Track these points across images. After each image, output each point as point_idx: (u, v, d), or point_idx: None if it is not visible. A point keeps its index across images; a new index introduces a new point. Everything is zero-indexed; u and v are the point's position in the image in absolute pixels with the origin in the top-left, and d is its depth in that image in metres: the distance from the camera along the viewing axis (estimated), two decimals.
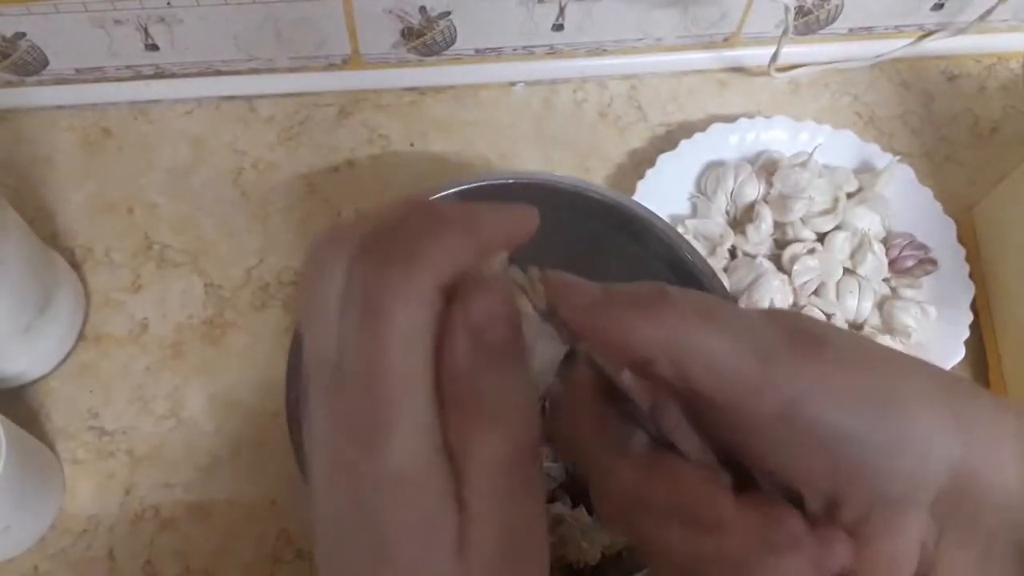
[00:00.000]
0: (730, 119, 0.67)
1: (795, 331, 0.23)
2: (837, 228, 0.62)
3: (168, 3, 0.62)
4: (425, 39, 0.67)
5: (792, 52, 0.69)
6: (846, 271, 0.61)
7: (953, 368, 0.58)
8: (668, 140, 0.68)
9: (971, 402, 0.24)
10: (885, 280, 0.62)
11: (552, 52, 0.70)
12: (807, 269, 0.60)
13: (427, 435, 0.22)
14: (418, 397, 0.21)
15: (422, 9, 0.64)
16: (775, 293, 0.59)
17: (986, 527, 0.24)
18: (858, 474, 0.23)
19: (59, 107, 0.69)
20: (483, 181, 0.51)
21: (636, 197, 0.62)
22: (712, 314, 0.23)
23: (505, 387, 0.22)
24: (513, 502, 0.23)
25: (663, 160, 0.64)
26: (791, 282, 0.60)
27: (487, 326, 0.22)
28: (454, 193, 0.51)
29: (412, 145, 0.69)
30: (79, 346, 0.60)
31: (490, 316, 0.22)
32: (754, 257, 0.62)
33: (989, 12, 0.67)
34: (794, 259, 0.60)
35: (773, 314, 0.24)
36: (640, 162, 0.67)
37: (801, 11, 0.69)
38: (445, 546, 0.22)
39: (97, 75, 0.68)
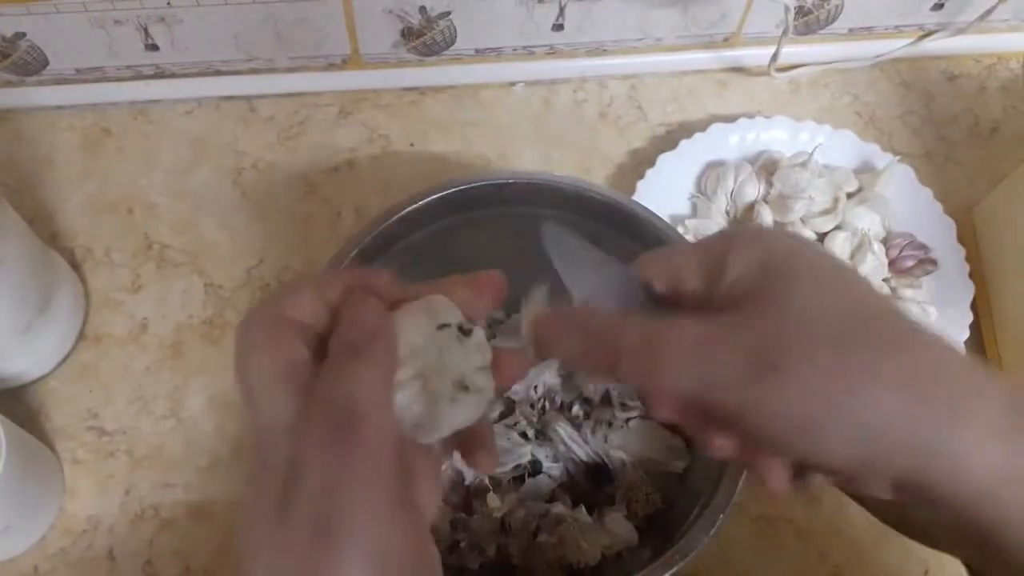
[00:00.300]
0: (730, 119, 0.67)
1: (755, 356, 0.26)
2: (837, 228, 0.62)
3: (168, 3, 0.62)
4: (425, 39, 0.67)
5: (792, 52, 0.69)
6: None
7: None
8: (668, 140, 0.68)
9: (948, 392, 0.26)
10: (885, 280, 0.62)
11: (552, 52, 0.70)
12: None
13: (278, 408, 0.26)
14: (271, 379, 0.26)
15: (422, 9, 0.64)
16: None
17: (951, 510, 0.26)
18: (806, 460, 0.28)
19: (59, 107, 0.69)
20: (483, 181, 0.51)
21: (636, 197, 0.62)
22: (664, 358, 0.28)
23: (351, 375, 0.26)
24: (337, 474, 0.24)
25: (663, 160, 0.64)
26: None
27: (349, 326, 0.27)
28: (454, 192, 0.51)
29: (412, 145, 0.69)
30: (79, 346, 0.60)
31: (352, 319, 0.27)
32: None
33: (989, 12, 0.67)
34: None
35: (745, 331, 0.27)
36: (640, 162, 0.67)
37: (801, 11, 0.69)
38: (268, 503, 0.25)
39: (97, 75, 0.68)
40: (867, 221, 0.62)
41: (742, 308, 0.28)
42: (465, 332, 0.29)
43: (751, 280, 0.28)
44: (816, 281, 0.28)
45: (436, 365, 0.28)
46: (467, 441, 0.31)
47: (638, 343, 0.28)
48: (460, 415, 0.28)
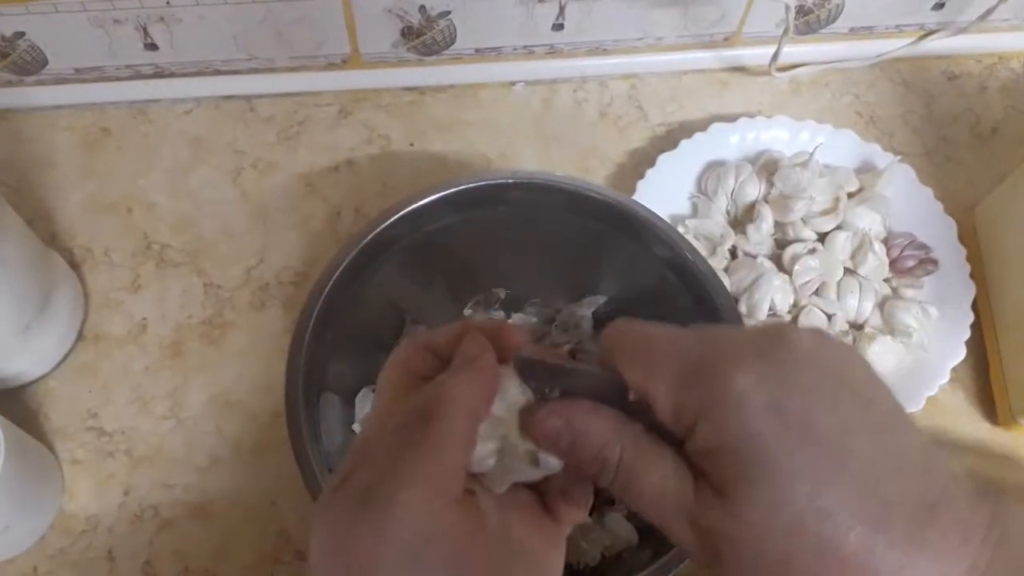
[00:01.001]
0: (730, 119, 0.67)
1: (705, 554, 0.26)
2: (838, 228, 0.62)
3: (167, 3, 0.62)
4: (425, 39, 0.67)
5: (793, 52, 0.69)
6: (847, 271, 0.61)
7: (954, 368, 0.58)
8: (668, 140, 0.68)
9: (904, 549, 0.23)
10: (886, 280, 0.62)
11: (552, 52, 0.70)
12: (808, 269, 0.60)
13: (379, 400, 0.30)
14: (390, 383, 0.30)
15: (422, 9, 0.64)
16: (775, 293, 0.59)
17: None
18: None
19: (58, 107, 0.69)
20: (483, 181, 0.51)
21: (636, 197, 0.62)
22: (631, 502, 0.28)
23: (443, 384, 0.28)
24: (396, 456, 0.26)
25: (663, 160, 0.64)
26: (792, 282, 0.60)
27: (457, 354, 0.30)
28: (454, 193, 0.51)
29: (412, 145, 0.68)
30: (78, 346, 0.60)
31: (460, 349, 0.30)
32: (755, 257, 0.61)
33: (990, 12, 0.67)
34: (795, 259, 0.60)
35: (694, 529, 0.26)
36: (640, 162, 0.67)
37: (802, 10, 0.69)
38: (338, 475, 0.27)
39: (96, 75, 0.67)
40: (868, 221, 0.62)
41: (707, 485, 0.25)
42: None
43: (718, 467, 0.25)
44: (779, 498, 0.24)
45: (519, 433, 0.29)
46: (546, 487, 0.30)
47: (614, 475, 0.28)
48: (521, 478, 0.30)
